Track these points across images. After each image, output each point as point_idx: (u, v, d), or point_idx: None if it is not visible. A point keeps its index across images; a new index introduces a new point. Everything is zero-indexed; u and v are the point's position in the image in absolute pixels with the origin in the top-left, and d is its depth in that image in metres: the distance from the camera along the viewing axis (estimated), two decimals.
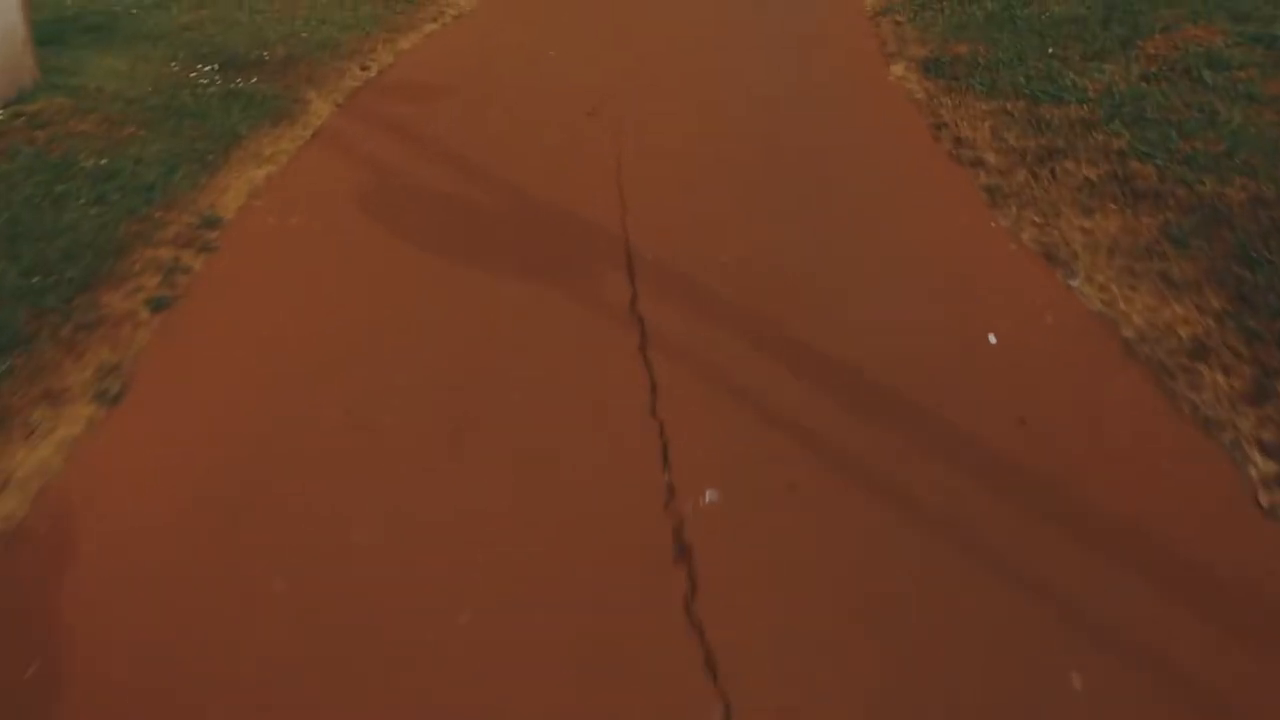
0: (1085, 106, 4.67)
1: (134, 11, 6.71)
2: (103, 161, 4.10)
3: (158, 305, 3.21)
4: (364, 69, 5.85)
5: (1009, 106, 4.84)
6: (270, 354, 2.97)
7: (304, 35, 6.27)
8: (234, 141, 4.57)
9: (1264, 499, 2.34)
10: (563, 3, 7.57)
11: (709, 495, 2.31)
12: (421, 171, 4.33)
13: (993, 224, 3.75)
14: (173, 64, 5.45)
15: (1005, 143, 4.46)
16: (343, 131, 4.87)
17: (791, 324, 3.05)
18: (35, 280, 3.19)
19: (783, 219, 3.81)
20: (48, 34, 5.78)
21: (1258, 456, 2.46)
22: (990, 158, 4.32)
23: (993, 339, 2.98)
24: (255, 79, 5.38)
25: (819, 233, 3.69)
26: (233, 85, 5.24)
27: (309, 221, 3.89)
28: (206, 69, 5.40)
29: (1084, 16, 5.99)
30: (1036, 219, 3.74)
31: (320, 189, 4.18)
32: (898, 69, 5.74)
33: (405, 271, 3.46)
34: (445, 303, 3.24)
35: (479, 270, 3.42)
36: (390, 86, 5.60)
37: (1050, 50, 5.50)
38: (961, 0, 6.79)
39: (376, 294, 3.32)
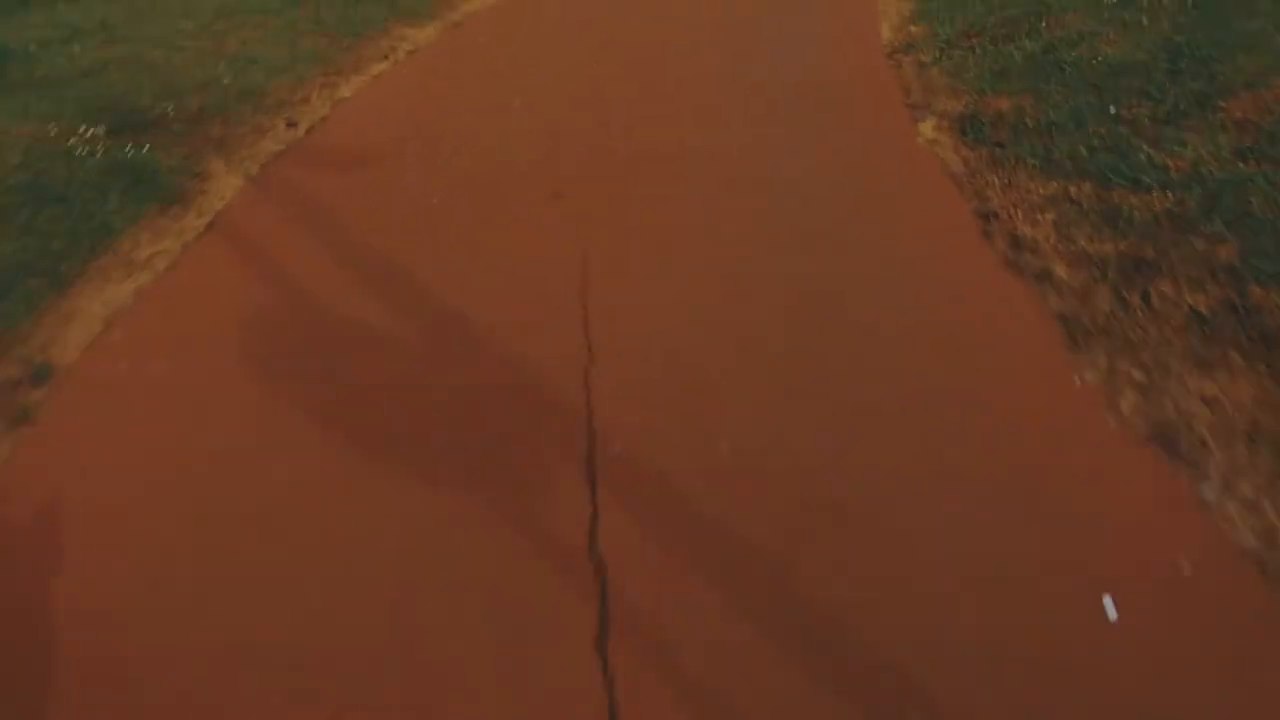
0: (1170, 194, 3.74)
1: (32, 49, 5.75)
2: None
3: None
4: (291, 125, 4.89)
5: (1073, 190, 3.91)
6: (64, 625, 2.02)
7: (225, 81, 5.31)
8: (103, 239, 3.62)
9: None
10: (532, 38, 6.62)
11: None
12: (335, 283, 3.39)
13: (1077, 381, 2.82)
14: (52, 126, 4.48)
15: (1076, 246, 3.52)
16: (247, 219, 3.92)
17: (818, 579, 2.11)
18: None
19: (794, 375, 2.87)
20: None
21: None
22: (1060, 269, 3.39)
23: (1111, 611, 2.04)
24: (150, 145, 4.42)
25: (844, 401, 2.75)
26: (121, 154, 4.28)
27: (173, 369, 2.94)
28: (93, 131, 4.43)
29: (1145, 64, 5.05)
30: (1137, 375, 2.81)
31: (199, 314, 3.24)
32: (927, 128, 4.80)
33: (279, 464, 2.51)
34: (325, 533, 2.29)
35: (384, 473, 2.48)
36: (318, 151, 4.64)
37: (1112, 110, 4.56)
38: (994, 38, 5.86)
39: (233, 507, 2.37)
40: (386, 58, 6.00)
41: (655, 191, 4.09)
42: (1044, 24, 5.91)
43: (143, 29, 6.22)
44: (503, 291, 3.29)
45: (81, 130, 4.42)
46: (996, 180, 4.12)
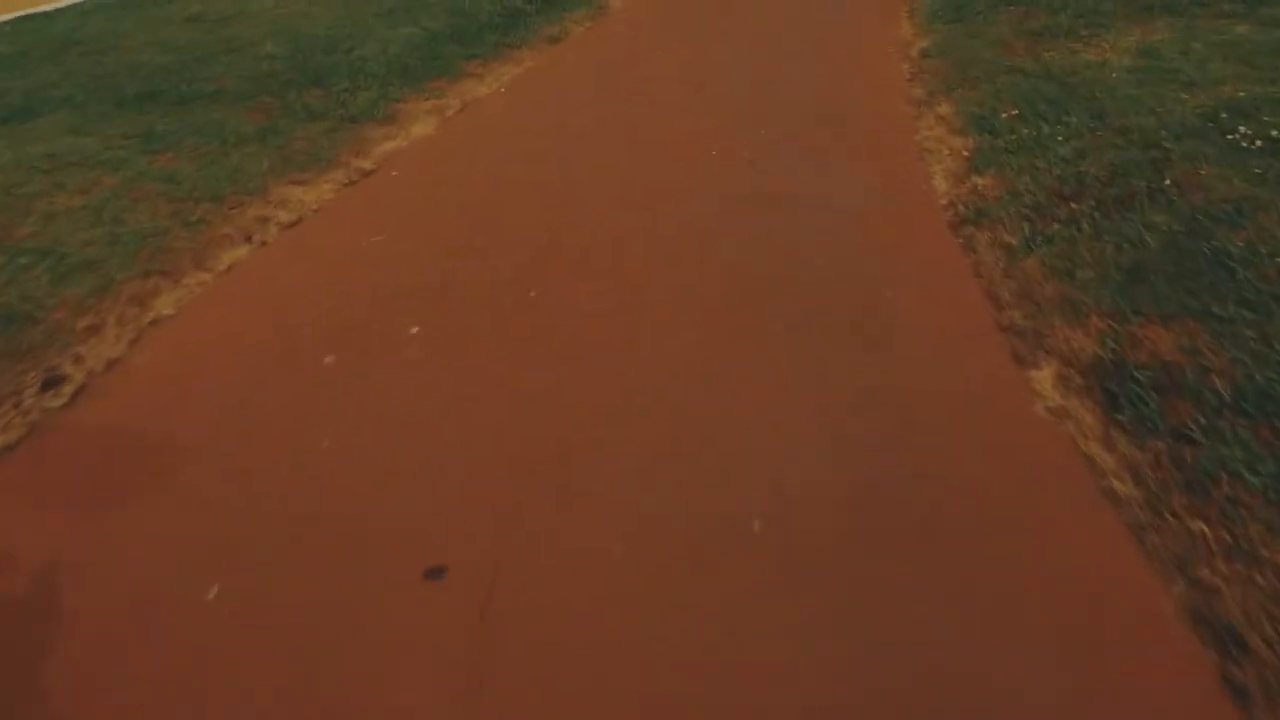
0: None
1: None
2: None
3: None
4: (49, 386, 3.14)
5: None
6: None
7: None
8: None
9: None
10: (459, 201, 4.89)
11: None
12: None
13: None
14: None
15: None
16: None
17: None
18: None
19: None
20: None
21: None
22: None
23: None
24: None
25: None
26: None
27: None
28: None
29: None
30: None
31: None
32: (1045, 382, 3.06)
33: None
34: None
35: None
36: (72, 447, 2.88)
37: None
38: (1102, 202, 4.16)
39: None
40: (250, 237, 4.27)
41: (600, 574, 2.31)
42: (1167, 180, 4.21)
43: None
44: None
45: None
46: (1208, 532, 2.35)
